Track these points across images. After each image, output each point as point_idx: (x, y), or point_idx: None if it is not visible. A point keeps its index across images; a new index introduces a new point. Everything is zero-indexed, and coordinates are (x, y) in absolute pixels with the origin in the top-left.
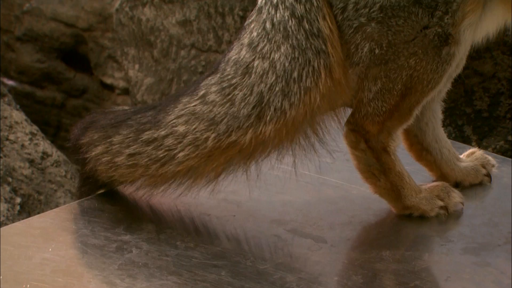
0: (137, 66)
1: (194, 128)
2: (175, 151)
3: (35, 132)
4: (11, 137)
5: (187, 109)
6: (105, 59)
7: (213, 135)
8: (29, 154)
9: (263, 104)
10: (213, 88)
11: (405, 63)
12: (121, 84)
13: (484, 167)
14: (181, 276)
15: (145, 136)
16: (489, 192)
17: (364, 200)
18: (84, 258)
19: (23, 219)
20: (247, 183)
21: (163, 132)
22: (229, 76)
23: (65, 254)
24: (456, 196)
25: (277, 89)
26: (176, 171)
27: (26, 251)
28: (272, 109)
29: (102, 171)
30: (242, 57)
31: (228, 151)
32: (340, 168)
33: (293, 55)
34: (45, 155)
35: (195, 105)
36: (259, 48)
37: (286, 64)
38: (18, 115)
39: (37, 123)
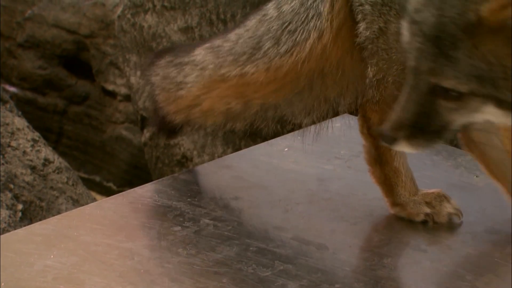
0: (138, 73)
1: (206, 59)
2: (188, 77)
3: (37, 138)
4: (13, 143)
5: (212, 43)
6: (107, 65)
7: (211, 66)
8: (31, 160)
9: (257, 47)
10: (236, 30)
11: (394, 57)
12: (123, 90)
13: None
14: (182, 283)
15: (176, 61)
16: (490, 199)
17: (366, 207)
18: (85, 265)
19: (24, 225)
20: (248, 190)
21: (187, 59)
22: (249, 21)
23: (66, 261)
24: (448, 206)
25: (270, 35)
26: (184, 97)
27: (28, 258)
28: (261, 52)
29: (158, 100)
30: (266, 7)
31: (219, 84)
32: (342, 175)
33: (297, 10)
34: (46, 161)
35: (217, 41)
36: (279, 1)
37: (289, 17)
38: (20, 122)
39: (38, 129)
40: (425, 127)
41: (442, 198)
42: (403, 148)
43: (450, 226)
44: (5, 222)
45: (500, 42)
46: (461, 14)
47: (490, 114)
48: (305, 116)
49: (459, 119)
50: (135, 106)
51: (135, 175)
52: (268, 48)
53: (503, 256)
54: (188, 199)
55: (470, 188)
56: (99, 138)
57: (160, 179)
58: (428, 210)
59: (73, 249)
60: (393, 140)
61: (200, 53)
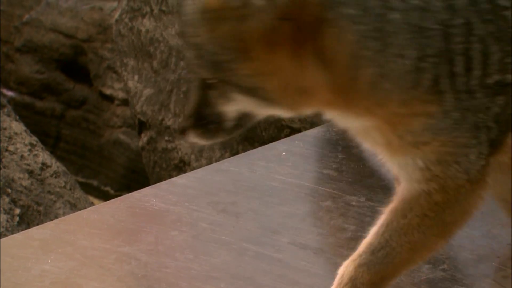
0: (136, 77)
1: None
2: None
3: (35, 143)
4: (11, 148)
5: None
6: (104, 70)
7: None
8: (29, 165)
9: None
10: None
11: None
12: (120, 95)
13: None
14: None
15: None
16: (488, 203)
17: (363, 211)
18: (83, 269)
19: (22, 230)
20: (246, 194)
21: None
22: None
23: (64, 265)
24: None
25: None
26: None
27: (25, 263)
28: None
29: None
30: None
31: None
32: (339, 179)
33: None
34: (44, 166)
35: None
36: None
37: None
38: (17, 126)
39: (36, 134)
40: (206, 119)
41: None
42: (192, 139)
43: None
44: (3, 227)
45: (227, 26)
46: (196, 0)
47: (243, 103)
48: None
49: (226, 109)
50: (132, 110)
51: (132, 179)
52: None
53: (502, 261)
54: (186, 204)
55: None
56: (96, 142)
57: (158, 184)
58: None
59: (71, 254)
60: (182, 131)
61: None
